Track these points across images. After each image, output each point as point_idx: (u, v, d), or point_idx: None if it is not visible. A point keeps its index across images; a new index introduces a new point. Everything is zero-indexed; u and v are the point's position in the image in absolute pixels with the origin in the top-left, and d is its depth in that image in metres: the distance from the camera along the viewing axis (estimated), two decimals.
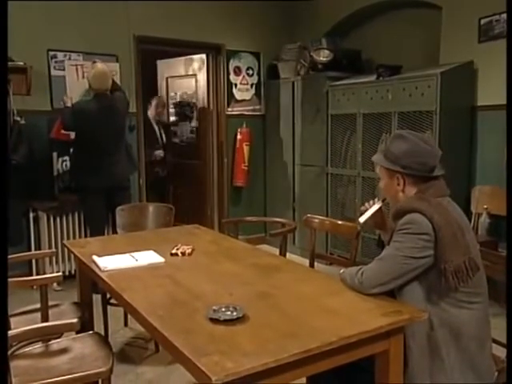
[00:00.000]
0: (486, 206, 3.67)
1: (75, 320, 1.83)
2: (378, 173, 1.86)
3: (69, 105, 3.94)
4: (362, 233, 3.59)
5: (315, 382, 1.96)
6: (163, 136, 5.35)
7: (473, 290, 1.64)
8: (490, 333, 1.75)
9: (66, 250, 3.79)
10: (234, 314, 1.53)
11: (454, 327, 1.63)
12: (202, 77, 5.30)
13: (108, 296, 2.95)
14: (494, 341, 1.83)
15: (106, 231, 4.04)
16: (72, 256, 3.63)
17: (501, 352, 1.83)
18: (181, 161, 5.47)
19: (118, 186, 3.96)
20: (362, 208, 2.01)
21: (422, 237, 1.62)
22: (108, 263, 2.13)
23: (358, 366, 1.62)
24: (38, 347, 2.03)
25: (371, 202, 1.99)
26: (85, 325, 2.24)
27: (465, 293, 1.63)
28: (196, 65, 5.35)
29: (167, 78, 5.71)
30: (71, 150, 4.19)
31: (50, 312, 2.23)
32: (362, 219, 1.98)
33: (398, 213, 1.72)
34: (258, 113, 5.46)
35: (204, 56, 5.22)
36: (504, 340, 1.85)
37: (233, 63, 5.26)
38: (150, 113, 5.22)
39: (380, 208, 1.95)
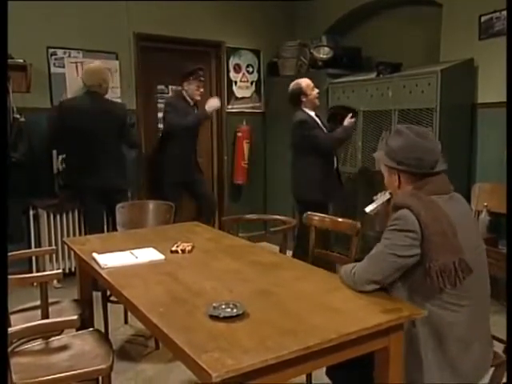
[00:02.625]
0: (486, 204, 3.66)
1: (75, 317, 1.83)
2: (382, 169, 1.85)
3: None
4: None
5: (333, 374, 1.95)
6: None
7: (463, 291, 1.61)
8: (483, 334, 1.72)
9: (66, 247, 3.80)
10: (234, 311, 1.53)
11: (437, 327, 1.62)
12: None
13: (108, 293, 2.95)
14: (494, 337, 1.83)
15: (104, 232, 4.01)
16: (72, 253, 3.64)
17: (498, 348, 1.83)
18: None
19: (112, 189, 3.87)
20: (374, 197, 1.99)
21: (408, 234, 1.59)
22: (108, 260, 2.13)
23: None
24: (38, 344, 2.04)
25: (382, 192, 1.96)
26: (85, 322, 2.24)
27: (452, 294, 1.60)
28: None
29: None
30: None
31: (50, 309, 2.23)
32: (368, 208, 1.95)
33: (393, 208, 1.72)
34: (257, 110, 5.46)
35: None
36: (503, 336, 1.85)
37: (233, 61, 5.26)
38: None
39: (389, 200, 1.91)
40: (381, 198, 1.95)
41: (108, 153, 3.84)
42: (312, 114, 3.81)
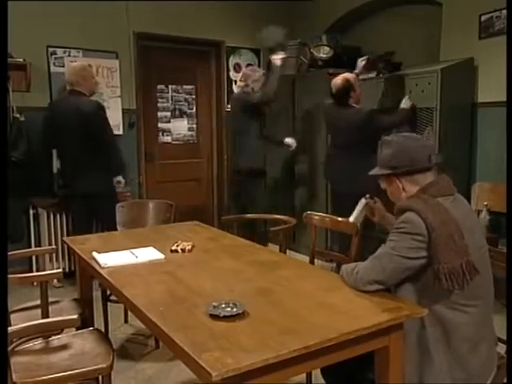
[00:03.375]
0: (486, 203, 3.66)
1: (75, 316, 1.83)
2: (382, 186, 1.87)
3: None
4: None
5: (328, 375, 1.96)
6: None
7: (470, 292, 1.62)
8: (490, 334, 1.73)
9: (66, 246, 3.79)
10: (234, 310, 1.53)
11: (446, 328, 1.62)
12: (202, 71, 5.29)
13: (108, 292, 2.95)
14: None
15: None
16: (72, 253, 3.63)
17: (500, 348, 1.83)
18: (177, 160, 5.34)
19: (91, 193, 3.67)
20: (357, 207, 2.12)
21: (416, 237, 1.60)
22: (108, 260, 2.13)
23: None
24: (38, 343, 2.04)
25: (361, 200, 2.10)
26: (85, 321, 2.25)
27: (460, 295, 1.61)
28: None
29: None
30: None
31: (51, 308, 2.23)
32: (351, 218, 2.13)
33: (397, 211, 1.73)
34: None
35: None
36: (503, 336, 1.85)
37: (233, 60, 5.26)
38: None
39: (367, 204, 2.10)
40: (359, 205, 2.13)
41: (84, 155, 3.63)
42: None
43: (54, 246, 3.95)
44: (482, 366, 1.68)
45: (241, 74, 4.24)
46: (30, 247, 4.05)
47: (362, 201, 2.12)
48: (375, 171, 1.85)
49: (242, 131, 4.12)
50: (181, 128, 5.25)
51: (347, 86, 3.70)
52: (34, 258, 4.08)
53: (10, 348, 1.81)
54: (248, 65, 5.34)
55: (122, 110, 4.55)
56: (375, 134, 3.55)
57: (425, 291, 1.65)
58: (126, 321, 3.35)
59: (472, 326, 1.64)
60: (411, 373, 1.66)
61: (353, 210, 2.15)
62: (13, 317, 2.14)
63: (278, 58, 4.11)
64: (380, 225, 2.13)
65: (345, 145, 3.81)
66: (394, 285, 1.70)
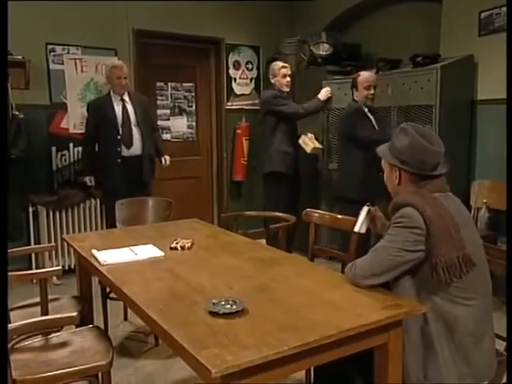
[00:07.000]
0: (485, 201, 3.67)
1: (75, 314, 1.84)
2: (382, 165, 1.86)
3: None
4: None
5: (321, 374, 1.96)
6: None
7: (469, 286, 1.63)
8: (491, 329, 1.73)
9: (65, 244, 3.80)
10: (234, 307, 1.53)
11: (448, 322, 1.63)
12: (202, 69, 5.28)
13: (108, 290, 2.95)
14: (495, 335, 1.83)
15: None
16: (72, 250, 3.64)
17: (499, 345, 1.83)
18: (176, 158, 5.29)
19: None
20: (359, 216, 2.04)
21: (414, 231, 1.61)
22: (107, 257, 2.13)
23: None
24: (37, 341, 2.04)
25: (362, 209, 2.02)
26: (84, 319, 2.25)
27: (459, 288, 1.62)
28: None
29: None
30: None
31: (50, 306, 2.23)
32: (356, 229, 2.02)
33: (394, 207, 1.73)
34: (257, 107, 5.44)
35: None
36: (502, 333, 1.85)
37: (232, 57, 5.25)
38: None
39: (369, 211, 1.99)
40: (362, 213, 2.01)
41: None
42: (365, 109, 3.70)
43: (53, 244, 3.95)
44: (487, 361, 1.68)
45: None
46: (29, 245, 4.04)
47: (364, 208, 2.00)
48: (383, 153, 1.81)
49: None
50: (180, 126, 5.25)
51: (354, 80, 3.74)
52: (33, 255, 4.08)
53: (10, 345, 1.81)
54: (248, 62, 5.35)
55: None
56: (353, 139, 3.53)
57: (423, 285, 1.65)
58: (125, 318, 3.35)
59: (474, 320, 1.64)
60: (416, 369, 1.65)
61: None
62: (12, 314, 2.14)
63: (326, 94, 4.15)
64: (380, 235, 2.09)
65: (337, 142, 3.84)
66: (393, 279, 1.70)
